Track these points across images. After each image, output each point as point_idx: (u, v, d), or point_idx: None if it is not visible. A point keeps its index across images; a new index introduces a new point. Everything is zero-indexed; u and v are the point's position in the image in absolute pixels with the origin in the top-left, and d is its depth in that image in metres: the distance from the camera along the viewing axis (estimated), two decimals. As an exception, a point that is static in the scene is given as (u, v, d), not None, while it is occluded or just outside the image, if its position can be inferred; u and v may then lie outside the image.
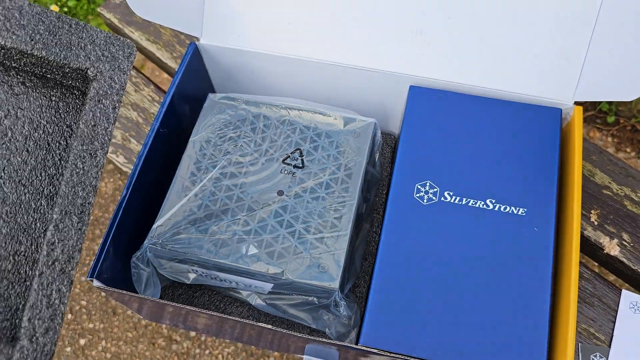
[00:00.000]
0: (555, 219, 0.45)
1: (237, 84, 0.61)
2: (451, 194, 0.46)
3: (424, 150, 0.48)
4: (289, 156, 0.52)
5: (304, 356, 0.53)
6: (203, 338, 1.01)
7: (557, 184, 0.47)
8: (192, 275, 0.51)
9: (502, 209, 0.45)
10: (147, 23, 0.75)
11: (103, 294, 1.08)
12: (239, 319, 0.43)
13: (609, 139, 1.11)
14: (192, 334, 1.02)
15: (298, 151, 0.52)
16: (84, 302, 1.08)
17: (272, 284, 0.48)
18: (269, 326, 0.43)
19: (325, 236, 0.47)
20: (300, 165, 0.51)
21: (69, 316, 1.06)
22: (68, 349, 1.04)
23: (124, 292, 0.44)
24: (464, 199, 0.46)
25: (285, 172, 0.51)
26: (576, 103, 0.52)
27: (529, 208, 0.45)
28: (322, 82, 0.57)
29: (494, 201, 0.45)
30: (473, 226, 0.44)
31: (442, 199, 0.46)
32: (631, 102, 1.10)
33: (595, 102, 1.14)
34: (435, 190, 0.46)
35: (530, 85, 0.52)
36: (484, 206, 0.45)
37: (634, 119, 1.10)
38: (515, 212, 0.45)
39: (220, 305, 0.54)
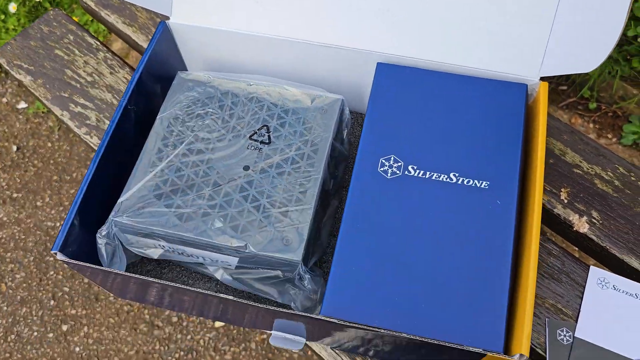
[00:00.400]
0: (517, 192, 0.45)
1: (208, 63, 0.61)
2: (415, 167, 0.46)
3: (389, 125, 0.49)
4: (256, 132, 0.52)
5: (272, 332, 0.54)
6: (185, 324, 1.02)
7: (522, 158, 0.48)
8: (159, 251, 0.51)
9: (465, 182, 0.45)
10: (122, 6, 0.75)
11: (86, 280, 1.08)
12: (198, 290, 0.43)
13: (591, 125, 1.12)
14: (174, 319, 1.02)
15: (265, 127, 0.52)
16: (66, 289, 1.08)
17: (238, 258, 0.48)
18: (230, 297, 0.43)
19: (290, 210, 0.48)
20: (267, 141, 0.51)
21: (52, 302, 1.07)
22: (50, 334, 1.04)
23: (87, 264, 0.44)
24: (428, 173, 0.46)
25: (252, 148, 0.51)
26: (542, 79, 0.52)
27: (492, 182, 0.45)
28: (291, 60, 0.57)
29: (457, 175, 0.46)
30: (436, 199, 0.45)
31: (406, 172, 0.46)
32: (612, 88, 1.10)
33: (577, 89, 1.14)
34: (399, 164, 0.47)
35: (497, 62, 0.52)
36: (447, 180, 0.45)
37: (615, 105, 1.11)
38: (478, 185, 0.45)
39: (187, 281, 0.54)
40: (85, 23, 1.32)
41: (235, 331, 0.98)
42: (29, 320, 1.06)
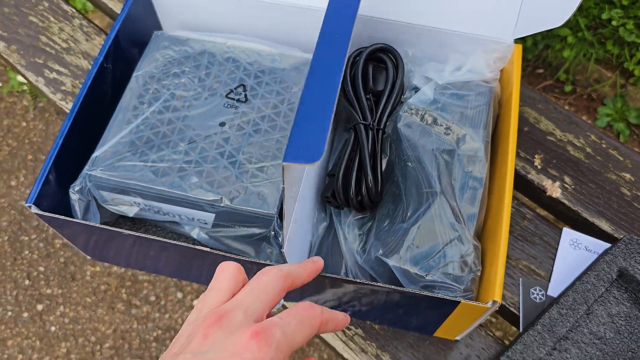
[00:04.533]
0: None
1: (185, 25, 0.61)
2: None
3: None
4: (232, 91, 0.52)
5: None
6: (163, 302, 1.01)
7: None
8: (134, 209, 0.51)
9: None
10: (99, -26, 0.74)
11: (62, 259, 1.07)
12: (164, 240, 0.43)
13: (566, 107, 1.14)
14: (152, 298, 1.01)
15: (242, 86, 0.52)
16: (41, 268, 1.06)
17: (214, 215, 0.48)
18: (199, 247, 0.43)
19: (266, 165, 0.48)
20: (244, 100, 0.51)
21: (26, 282, 1.05)
22: (25, 314, 1.02)
23: (59, 216, 0.44)
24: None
25: (229, 106, 0.51)
26: (516, 41, 0.53)
27: None
28: (269, 22, 0.57)
29: None
30: None
31: None
32: (587, 71, 1.12)
33: (553, 72, 1.16)
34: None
35: (472, 25, 0.53)
36: None
37: (589, 87, 1.13)
38: None
39: (164, 241, 0.54)
40: None
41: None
42: (3, 300, 1.05)
